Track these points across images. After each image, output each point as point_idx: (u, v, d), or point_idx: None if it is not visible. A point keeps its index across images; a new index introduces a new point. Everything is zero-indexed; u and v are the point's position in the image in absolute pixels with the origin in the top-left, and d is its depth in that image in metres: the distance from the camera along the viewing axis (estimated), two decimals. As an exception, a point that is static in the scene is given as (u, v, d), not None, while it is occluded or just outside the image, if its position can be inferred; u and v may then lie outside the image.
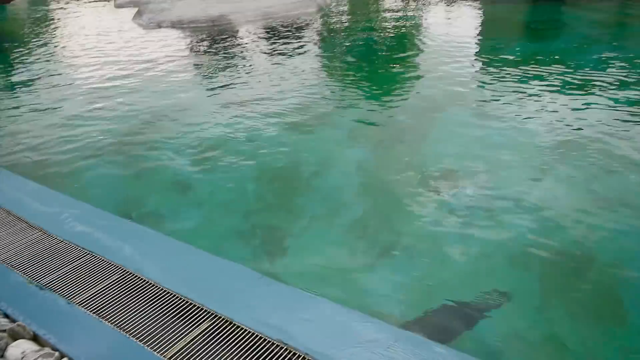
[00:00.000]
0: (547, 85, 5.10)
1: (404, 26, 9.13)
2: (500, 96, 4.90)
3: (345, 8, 12.16)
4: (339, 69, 6.55)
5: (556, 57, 6.20)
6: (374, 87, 5.55)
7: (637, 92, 4.74)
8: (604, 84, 5.03)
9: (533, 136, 3.91)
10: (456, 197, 3.17)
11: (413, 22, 9.46)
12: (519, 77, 5.44)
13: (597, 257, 2.56)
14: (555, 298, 2.34)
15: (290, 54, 7.11)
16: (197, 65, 6.90)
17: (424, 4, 11.51)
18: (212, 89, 5.75)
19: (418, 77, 5.81)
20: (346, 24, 9.68)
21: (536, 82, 5.23)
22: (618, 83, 5.04)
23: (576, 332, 2.13)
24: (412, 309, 2.29)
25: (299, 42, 7.86)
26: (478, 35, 8.26)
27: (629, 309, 2.23)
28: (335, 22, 10.04)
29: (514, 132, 4.03)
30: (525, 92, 4.94)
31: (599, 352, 2.04)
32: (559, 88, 5.02)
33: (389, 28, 9.07)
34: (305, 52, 7.24)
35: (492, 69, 5.95)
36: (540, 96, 4.82)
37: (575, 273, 2.49)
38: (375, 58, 7.01)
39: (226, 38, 8.58)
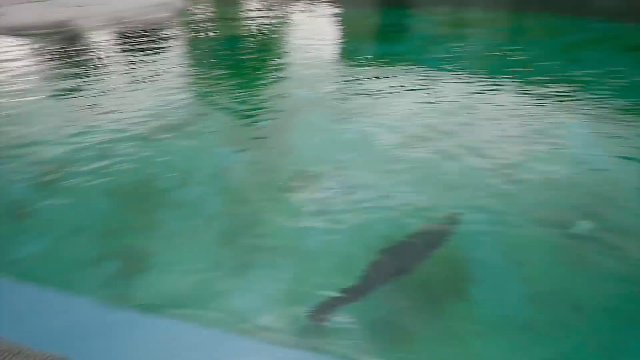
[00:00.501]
0: (398, 84, 5.43)
1: (263, 30, 9.16)
2: (356, 97, 5.10)
3: (203, 11, 11.88)
4: (197, 75, 6.34)
5: (405, 56, 6.66)
6: (234, 93, 5.44)
7: (479, 86, 5.24)
8: (448, 80, 5.49)
9: (387, 133, 4.11)
10: (319, 197, 3.21)
11: (272, 26, 9.54)
12: (373, 77, 5.73)
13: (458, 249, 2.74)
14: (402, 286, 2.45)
15: (145, 60, 6.71)
16: (36, 74, 6.19)
17: (283, 9, 11.70)
18: (55, 100, 5.18)
19: (277, 81, 5.83)
20: (204, 28, 9.43)
21: (389, 81, 5.54)
22: (460, 79, 5.54)
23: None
24: (280, 318, 2.25)
25: (153, 47, 7.47)
26: (335, 38, 8.57)
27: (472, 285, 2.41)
28: (193, 25, 9.74)
29: (370, 131, 4.20)
30: (379, 92, 5.20)
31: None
32: (409, 85, 5.36)
33: (249, 32, 9.04)
34: (160, 58, 6.89)
35: (348, 71, 6.19)
36: (393, 95, 5.10)
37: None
38: (234, 62, 6.91)
39: (72, 44, 7.85)
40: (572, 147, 3.75)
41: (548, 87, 5.12)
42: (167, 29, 9.19)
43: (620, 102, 4.62)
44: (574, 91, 4.97)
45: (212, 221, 2.99)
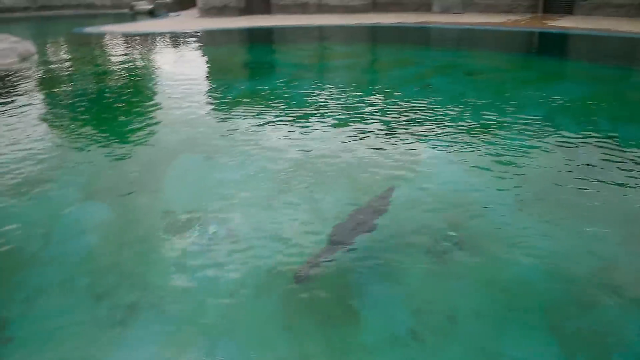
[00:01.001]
0: (270, 119, 5.48)
1: (128, 73, 8.75)
2: (230, 135, 5.04)
3: (56, 55, 11.05)
4: (58, 124, 5.82)
5: (275, 91, 6.78)
6: (102, 139, 5.07)
7: (347, 115, 5.48)
8: (318, 111, 5.68)
9: (265, 169, 4.09)
10: (202, 238, 3.06)
11: (137, 68, 9.15)
12: (245, 114, 5.72)
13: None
14: (296, 316, 2.42)
15: (-13, 110, 6.00)
16: None
17: (147, 50, 11.34)
18: None
19: (145, 125, 5.57)
20: (61, 73, 8.74)
21: (260, 117, 5.57)
22: (330, 110, 5.76)
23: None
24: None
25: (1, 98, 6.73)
26: (204, 76, 8.48)
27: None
28: (48, 71, 8.97)
29: (247, 167, 4.16)
30: (252, 128, 5.19)
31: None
32: (280, 120, 5.44)
33: (112, 76, 8.57)
34: (10, 109, 6.22)
35: (220, 109, 6.13)
36: (266, 129, 5.13)
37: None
38: (97, 109, 6.47)
39: None
40: (430, 167, 4.05)
41: (404, 113, 5.52)
42: (16, 76, 8.36)
43: (465, 123, 5.13)
44: (427, 116, 5.42)
45: (77, 279, 2.69)
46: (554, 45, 10.39)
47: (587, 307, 2.38)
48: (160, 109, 6.15)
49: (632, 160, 4.01)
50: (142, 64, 9.46)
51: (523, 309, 2.39)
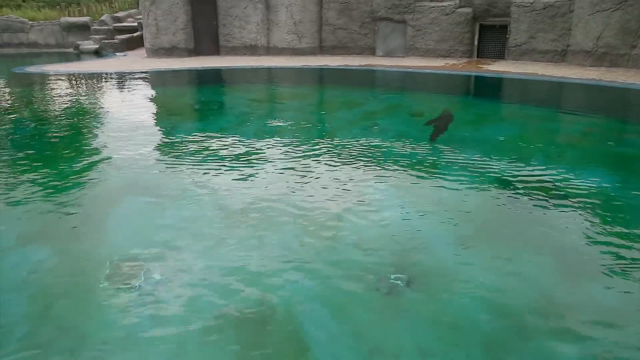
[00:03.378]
0: (217, 160, 5.51)
1: (72, 113, 8.56)
2: (176, 177, 5.03)
3: (-6, 97, 10.66)
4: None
5: (223, 132, 6.84)
6: (41, 182, 4.91)
7: (294, 156, 5.60)
8: (265, 152, 5.78)
9: (211, 212, 4.10)
10: (144, 284, 3.01)
11: (82, 107, 8.97)
12: (191, 154, 5.73)
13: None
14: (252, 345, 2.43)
15: None
16: None
17: (93, 88, 11.15)
18: None
19: (92, 166, 5.45)
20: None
21: (207, 158, 5.60)
22: (277, 150, 5.86)
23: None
24: None
25: None
26: (150, 117, 8.42)
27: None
28: (-18, 113, 8.63)
29: (193, 209, 4.16)
30: (198, 167, 5.21)
31: None
32: (227, 161, 5.49)
33: (53, 115, 8.35)
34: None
35: (166, 151, 6.10)
36: (213, 171, 5.16)
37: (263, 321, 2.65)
38: (38, 149, 6.27)
39: None
40: (376, 207, 4.20)
41: (351, 153, 5.72)
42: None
43: (409, 162, 5.37)
44: (373, 156, 5.63)
45: (12, 329, 2.58)
46: (488, 88, 11.11)
47: (527, 339, 2.53)
48: (103, 150, 6.06)
49: (563, 194, 4.33)
50: (86, 104, 9.30)
51: (467, 345, 2.51)
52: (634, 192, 4.57)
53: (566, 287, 2.99)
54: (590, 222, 3.84)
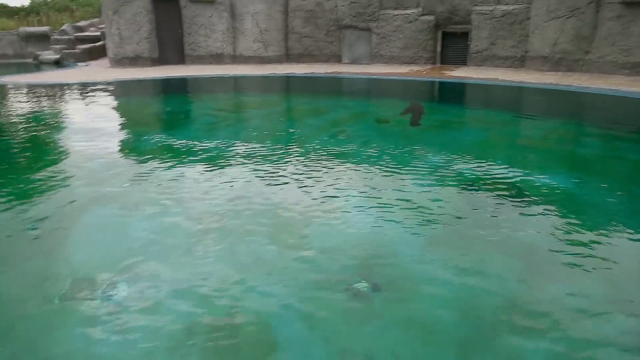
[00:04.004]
0: (184, 170, 5.47)
1: (32, 125, 8.32)
2: (142, 187, 4.96)
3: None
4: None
5: (189, 142, 6.78)
6: (1, 196, 4.77)
7: (262, 164, 5.60)
8: (233, 161, 5.76)
9: (179, 222, 4.07)
10: (112, 300, 2.96)
11: (43, 119, 8.73)
12: (158, 166, 5.66)
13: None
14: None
15: None
16: None
17: (55, 99, 10.86)
18: None
19: (55, 179, 5.32)
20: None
21: (174, 168, 5.55)
22: (245, 158, 5.85)
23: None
24: None
25: None
26: (115, 128, 8.27)
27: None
28: None
29: (161, 220, 4.11)
30: (166, 179, 5.15)
31: None
32: (194, 170, 5.45)
33: (13, 128, 8.10)
34: None
35: (131, 161, 6.01)
36: (180, 181, 5.11)
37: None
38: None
39: None
40: (344, 212, 4.25)
41: (319, 160, 5.76)
42: None
43: (376, 168, 5.46)
44: (340, 162, 5.70)
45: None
46: (451, 93, 11.39)
47: (494, 338, 2.60)
48: (66, 162, 5.92)
49: (526, 195, 4.48)
50: (48, 116, 9.06)
51: (437, 345, 2.57)
52: (591, 192, 4.77)
53: (531, 287, 3.10)
54: (552, 222, 3.98)
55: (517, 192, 4.64)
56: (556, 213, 4.17)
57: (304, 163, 5.64)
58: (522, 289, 3.07)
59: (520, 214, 4.16)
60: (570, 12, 11.96)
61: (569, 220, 4.05)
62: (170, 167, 5.56)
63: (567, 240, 3.68)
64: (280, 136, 7.43)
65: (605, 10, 11.51)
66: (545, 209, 4.22)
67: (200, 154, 6.12)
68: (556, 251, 3.53)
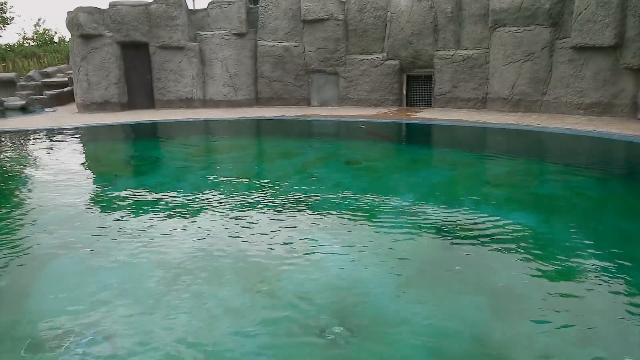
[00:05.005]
0: (154, 216, 5.41)
1: (-8, 174, 8.11)
2: (110, 234, 4.88)
3: None
4: None
5: (159, 187, 6.73)
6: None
7: (233, 209, 5.59)
8: (203, 206, 5.73)
9: (148, 269, 4.00)
10: (78, 355, 2.87)
11: (7, 166, 8.53)
12: (127, 212, 5.59)
13: None
14: None
15: None
16: None
17: (20, 146, 10.65)
18: None
19: (19, 226, 5.18)
20: None
21: (143, 214, 5.48)
22: (215, 204, 5.83)
23: None
24: None
25: None
26: (83, 174, 8.14)
27: None
28: None
29: (130, 268, 4.04)
30: (135, 226, 5.08)
31: None
32: (164, 216, 5.40)
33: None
34: None
35: (99, 208, 5.91)
36: (149, 227, 5.05)
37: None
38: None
39: None
40: (316, 256, 4.26)
41: (289, 203, 5.80)
42: None
43: (347, 211, 5.52)
44: (311, 206, 5.75)
45: None
46: (418, 134, 11.72)
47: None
48: (32, 209, 5.78)
49: (496, 235, 4.60)
50: (13, 163, 8.86)
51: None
52: (554, 230, 4.93)
53: (501, 326, 3.15)
54: (519, 260, 4.09)
55: (484, 231, 4.76)
56: (521, 251, 4.28)
57: (275, 207, 5.66)
58: (491, 328, 3.12)
59: (487, 253, 4.26)
60: (526, 56, 12.62)
61: (534, 257, 4.16)
62: (138, 215, 5.49)
63: (534, 276, 3.78)
64: (251, 180, 7.46)
65: (558, 55, 12.21)
66: (510, 248, 4.34)
67: (169, 201, 6.08)
68: (524, 289, 3.62)
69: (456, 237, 4.60)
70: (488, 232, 4.73)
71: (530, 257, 4.16)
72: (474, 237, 4.58)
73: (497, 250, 4.31)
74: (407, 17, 14.29)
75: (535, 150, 9.67)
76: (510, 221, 5.02)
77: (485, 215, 5.22)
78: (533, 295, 3.50)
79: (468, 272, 3.90)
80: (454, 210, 5.41)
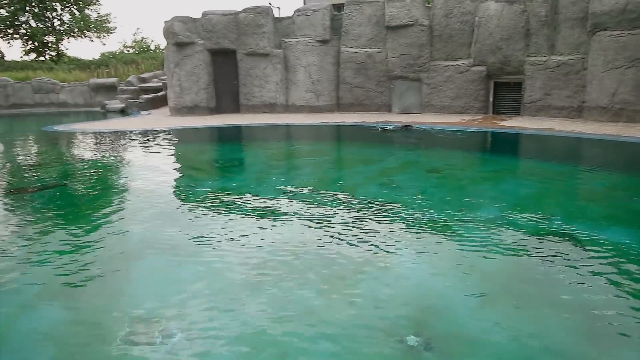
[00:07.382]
0: (239, 216, 5.58)
1: (97, 169, 8.83)
2: (198, 233, 5.09)
3: (23, 152, 11.08)
4: (16, 220, 5.74)
5: (244, 188, 6.95)
6: (64, 236, 5.03)
7: (314, 212, 5.64)
8: (286, 208, 5.84)
9: (233, 269, 4.13)
10: (165, 345, 3.00)
11: (107, 164, 9.27)
12: (214, 212, 5.81)
13: None
14: None
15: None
16: None
17: (118, 146, 11.53)
18: None
19: (115, 223, 5.56)
20: (26, 170, 8.73)
21: (229, 214, 5.68)
22: (297, 207, 5.92)
23: None
24: None
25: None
26: (173, 174, 8.62)
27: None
28: (12, 168, 8.96)
29: (216, 267, 4.18)
30: (221, 226, 5.27)
31: None
32: (249, 217, 5.55)
33: (79, 172, 8.62)
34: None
35: (188, 207, 6.20)
36: (235, 227, 5.21)
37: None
38: (63, 205, 6.45)
39: None
40: (395, 265, 4.17)
41: (370, 209, 5.74)
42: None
43: (428, 220, 5.36)
44: (391, 213, 5.64)
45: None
46: (505, 144, 11.17)
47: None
48: (126, 206, 6.19)
49: (586, 251, 4.25)
50: (111, 161, 9.59)
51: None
52: (660, 250, 4.47)
53: (587, 348, 2.89)
54: (614, 280, 3.74)
55: (576, 247, 4.41)
56: (617, 270, 3.91)
57: (355, 213, 5.63)
58: (576, 350, 2.87)
59: (581, 270, 3.94)
60: (630, 62, 11.64)
61: (633, 278, 3.79)
62: (223, 212, 5.70)
63: (634, 297, 3.43)
64: (331, 185, 7.49)
65: (668, 60, 11.14)
66: (605, 266, 3.98)
67: (253, 201, 6.25)
68: (618, 310, 3.30)
69: (543, 252, 4.30)
70: (581, 248, 4.37)
71: (626, 276, 3.79)
72: (565, 253, 4.25)
73: (590, 267, 3.96)
74: (497, 22, 13.73)
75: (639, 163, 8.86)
76: (605, 237, 4.61)
77: (578, 230, 4.84)
78: (625, 316, 3.18)
79: (557, 289, 3.62)
80: (543, 223, 5.07)
